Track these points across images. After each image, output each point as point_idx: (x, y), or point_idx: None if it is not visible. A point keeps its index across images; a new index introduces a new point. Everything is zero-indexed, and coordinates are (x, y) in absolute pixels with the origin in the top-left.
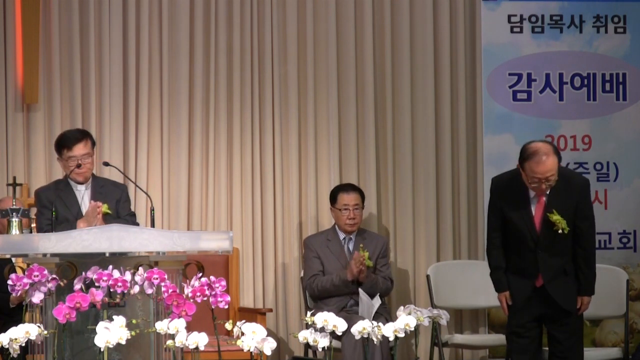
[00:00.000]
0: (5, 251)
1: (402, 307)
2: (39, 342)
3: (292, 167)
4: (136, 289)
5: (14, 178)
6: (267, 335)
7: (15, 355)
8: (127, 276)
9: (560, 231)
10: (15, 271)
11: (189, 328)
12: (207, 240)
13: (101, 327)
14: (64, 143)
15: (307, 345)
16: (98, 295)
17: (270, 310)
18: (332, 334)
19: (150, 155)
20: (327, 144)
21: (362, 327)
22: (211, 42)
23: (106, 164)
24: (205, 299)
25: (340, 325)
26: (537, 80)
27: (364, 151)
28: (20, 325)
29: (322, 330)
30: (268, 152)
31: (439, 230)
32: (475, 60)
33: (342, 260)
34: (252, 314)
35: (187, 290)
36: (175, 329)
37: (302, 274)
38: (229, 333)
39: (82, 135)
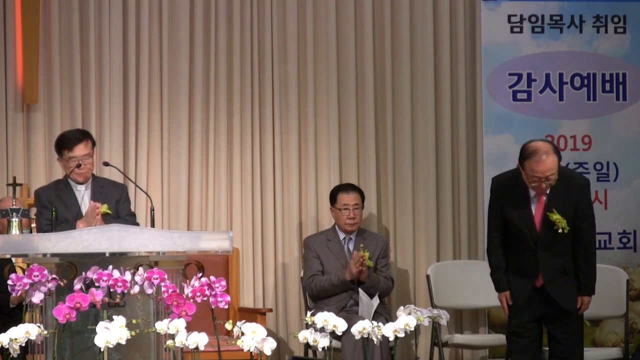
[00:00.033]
0: (5, 251)
1: (402, 307)
2: (39, 342)
3: (292, 167)
4: (136, 289)
5: (14, 178)
6: (267, 335)
7: (15, 355)
8: (127, 276)
9: (560, 231)
10: (15, 271)
11: (189, 328)
12: (207, 240)
13: (101, 327)
14: (64, 143)
15: (307, 345)
16: (98, 295)
17: (270, 310)
18: (332, 334)
19: (150, 155)
20: (327, 144)
21: (362, 327)
22: (211, 42)
23: (106, 164)
24: (205, 299)
25: (340, 325)
26: (537, 80)
27: (364, 151)
28: (20, 325)
29: (322, 330)
30: (268, 152)
31: (439, 230)
32: (475, 60)
33: (342, 260)
34: (252, 314)
35: (187, 290)
36: (175, 329)
37: (302, 274)
38: (229, 333)
39: (83, 135)
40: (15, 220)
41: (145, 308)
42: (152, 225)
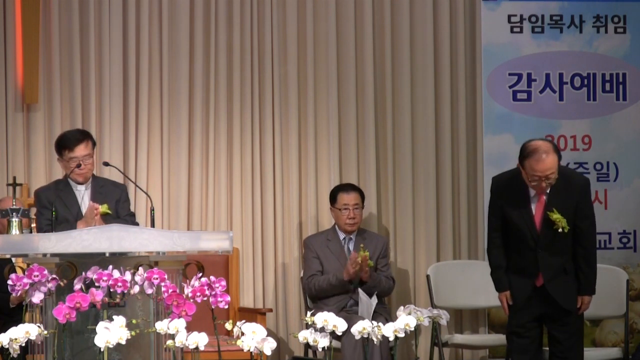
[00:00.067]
0: (5, 251)
1: (402, 307)
2: (39, 342)
3: (292, 167)
4: (136, 289)
5: (14, 178)
6: (267, 335)
7: (15, 355)
8: (127, 276)
9: (560, 230)
10: (15, 271)
11: (189, 328)
12: (207, 240)
13: (101, 327)
14: (65, 144)
15: (307, 345)
16: (98, 295)
17: (270, 310)
18: (332, 334)
19: (150, 155)
20: (327, 144)
21: (362, 327)
22: (211, 42)
23: (106, 164)
24: (205, 299)
25: (340, 325)
26: (537, 80)
27: (364, 151)
28: (20, 325)
29: (322, 330)
30: (268, 152)
31: (439, 230)
32: (475, 60)
33: (342, 260)
34: (252, 314)
35: (187, 290)
36: (175, 329)
37: (302, 274)
38: (229, 333)
39: (83, 136)
40: (15, 220)
41: (145, 308)
42: (152, 225)
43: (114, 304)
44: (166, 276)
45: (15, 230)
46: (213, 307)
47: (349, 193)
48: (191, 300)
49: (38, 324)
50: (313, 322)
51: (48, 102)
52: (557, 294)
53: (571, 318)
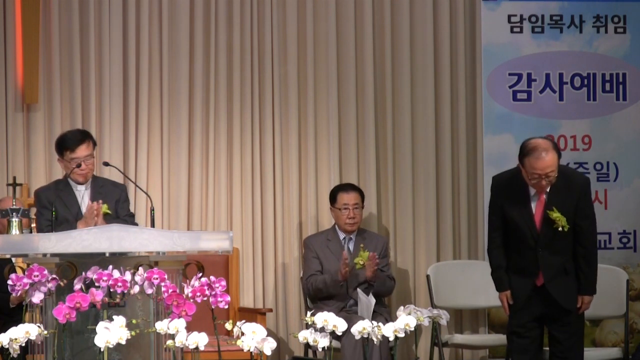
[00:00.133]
0: (5, 251)
1: (402, 307)
2: (39, 342)
3: (292, 167)
4: (136, 289)
5: (14, 178)
6: (267, 335)
7: (15, 355)
8: (127, 276)
9: (560, 229)
10: (15, 271)
11: (189, 328)
12: (207, 240)
13: (101, 327)
14: (66, 144)
15: (307, 345)
16: (98, 295)
17: (270, 310)
18: (332, 334)
19: (150, 155)
20: (327, 144)
21: (362, 327)
22: (211, 42)
23: (106, 164)
24: (205, 299)
25: (340, 325)
26: (537, 80)
27: (364, 151)
28: (20, 325)
29: (322, 330)
30: (268, 152)
31: (439, 230)
32: (475, 60)
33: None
34: (252, 314)
35: (187, 290)
36: (175, 329)
37: (302, 274)
38: (229, 333)
39: (84, 136)
40: (15, 220)
41: (145, 308)
42: (152, 225)
43: (114, 304)
44: (166, 276)
45: (15, 230)
46: (213, 307)
47: (348, 193)
48: (191, 300)
49: (38, 324)
50: (313, 322)
51: (48, 102)
52: (558, 293)
53: (571, 318)
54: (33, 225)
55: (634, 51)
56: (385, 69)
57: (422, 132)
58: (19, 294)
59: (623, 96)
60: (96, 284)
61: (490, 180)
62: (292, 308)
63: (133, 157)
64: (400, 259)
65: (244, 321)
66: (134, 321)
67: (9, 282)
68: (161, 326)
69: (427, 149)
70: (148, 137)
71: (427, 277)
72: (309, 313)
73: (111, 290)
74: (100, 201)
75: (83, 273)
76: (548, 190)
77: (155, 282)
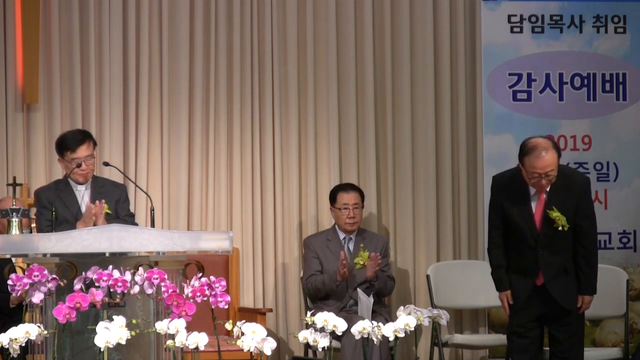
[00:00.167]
0: (5, 251)
1: (402, 307)
2: (39, 342)
3: (292, 167)
4: (136, 289)
5: (14, 178)
6: (267, 335)
7: (15, 355)
8: (127, 276)
9: (560, 228)
10: (15, 271)
11: (189, 328)
12: (207, 240)
13: (101, 327)
14: (66, 145)
15: (307, 345)
16: (98, 295)
17: (270, 310)
18: (332, 334)
19: (150, 155)
20: (327, 144)
21: (362, 327)
22: (211, 42)
23: (106, 164)
24: (205, 299)
25: (340, 325)
26: (537, 80)
27: (364, 151)
28: (20, 325)
29: (322, 330)
30: (268, 152)
31: (439, 230)
32: (475, 60)
33: None
34: (252, 314)
35: (187, 290)
36: (175, 329)
37: (302, 274)
38: (229, 333)
39: (84, 136)
40: (15, 220)
41: (145, 308)
42: (152, 225)
43: (114, 304)
44: (166, 276)
45: (15, 230)
46: (213, 307)
47: (348, 193)
48: (191, 300)
49: (38, 324)
50: (313, 322)
51: (48, 102)
52: (558, 293)
53: (571, 318)
54: (33, 225)
55: (634, 51)
56: (385, 69)
57: (422, 132)
58: (19, 294)
59: (623, 96)
60: (96, 284)
61: (490, 180)
62: (292, 308)
63: (133, 157)
64: (400, 259)
65: (244, 321)
66: (134, 321)
67: (9, 282)
68: (161, 326)
69: (427, 149)
70: (148, 137)
71: (427, 277)
72: (309, 313)
73: (111, 290)
74: (103, 201)
75: (83, 273)
76: (548, 189)
77: (155, 282)
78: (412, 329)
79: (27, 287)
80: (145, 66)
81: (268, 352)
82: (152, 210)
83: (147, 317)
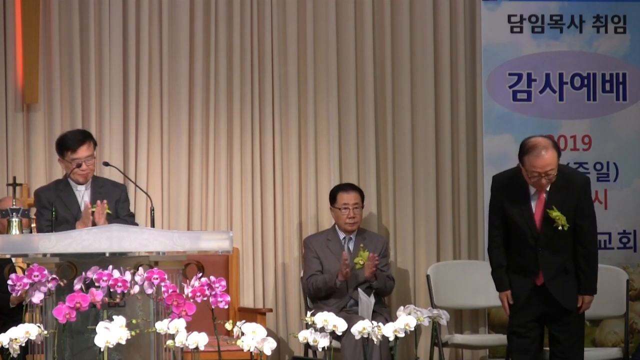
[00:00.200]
0: (5, 251)
1: (402, 307)
2: (39, 342)
3: (292, 167)
4: (136, 289)
5: (14, 178)
6: (267, 335)
7: (15, 355)
8: (127, 276)
9: (560, 228)
10: (15, 271)
11: (189, 328)
12: (207, 240)
13: (101, 327)
14: (67, 145)
15: (307, 345)
16: (98, 295)
17: (270, 310)
18: (332, 334)
19: (150, 155)
20: (327, 144)
21: (362, 327)
22: (211, 42)
23: (106, 164)
24: (205, 299)
25: (340, 325)
26: (537, 80)
27: (364, 151)
28: (20, 325)
29: (322, 330)
30: (268, 152)
31: (439, 230)
32: (475, 60)
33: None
34: (252, 314)
35: (187, 290)
36: (175, 329)
37: (302, 274)
38: (229, 333)
39: (85, 137)
40: (15, 220)
41: (145, 308)
42: (152, 225)
43: (114, 304)
44: (166, 276)
45: (15, 230)
46: (213, 307)
47: (348, 192)
48: (191, 300)
49: (38, 324)
50: (313, 322)
51: (48, 102)
52: (558, 293)
53: (572, 318)
54: (33, 225)
55: (634, 51)
56: (385, 69)
57: (422, 132)
58: (19, 294)
59: (623, 96)
60: (96, 284)
61: (490, 180)
62: (292, 308)
63: (133, 157)
64: (400, 259)
65: (244, 321)
66: (134, 321)
67: (9, 282)
68: (161, 326)
69: (427, 149)
70: (148, 137)
71: (427, 277)
72: (309, 313)
73: (111, 290)
74: (105, 201)
75: (83, 273)
76: (548, 189)
77: (155, 282)
78: (412, 329)
79: (27, 287)
80: (145, 66)
81: (268, 352)
82: (152, 210)
83: (147, 317)
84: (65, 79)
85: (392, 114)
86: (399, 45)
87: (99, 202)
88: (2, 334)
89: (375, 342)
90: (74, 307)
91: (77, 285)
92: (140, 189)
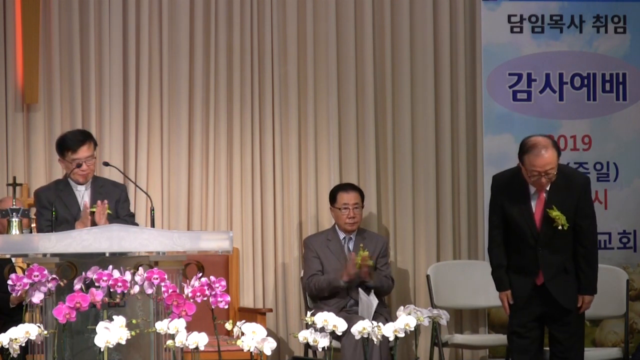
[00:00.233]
0: (5, 251)
1: (402, 307)
2: (39, 342)
3: (292, 167)
4: (136, 289)
5: (14, 178)
6: (267, 335)
7: (15, 355)
8: (127, 276)
9: (560, 227)
10: (15, 271)
11: (189, 328)
12: (207, 240)
13: (101, 327)
14: (67, 145)
15: (307, 345)
16: (98, 295)
17: (270, 310)
18: (332, 334)
19: (150, 155)
20: (327, 144)
21: (362, 327)
22: (211, 42)
23: (106, 164)
24: (205, 299)
25: (340, 325)
26: (537, 80)
27: (364, 151)
28: (20, 325)
29: (322, 330)
30: (268, 152)
31: (439, 230)
32: (475, 60)
33: (342, 260)
34: (252, 314)
35: (187, 290)
36: (175, 329)
37: (302, 274)
38: (229, 333)
39: (85, 137)
40: (15, 220)
41: (145, 308)
42: (152, 225)
43: (114, 304)
44: (166, 276)
45: (15, 230)
46: (213, 307)
47: (348, 192)
48: (191, 300)
49: (38, 324)
50: (313, 322)
51: (48, 102)
52: (558, 293)
53: (572, 318)
54: (33, 225)
55: (634, 51)
56: (385, 69)
57: (422, 132)
58: (19, 294)
59: (623, 96)
60: (96, 284)
61: (490, 180)
62: (292, 308)
63: (133, 157)
64: (400, 259)
65: (244, 321)
66: (134, 321)
67: (9, 282)
68: (161, 326)
69: (427, 149)
70: (148, 137)
71: (427, 277)
72: (309, 313)
73: (111, 290)
74: (106, 201)
75: (83, 273)
76: (548, 188)
77: (155, 282)
78: (412, 329)
79: (27, 287)
80: (145, 66)
81: (268, 352)
82: (152, 210)
83: (147, 317)
84: (65, 79)
85: (392, 114)
86: (399, 45)
87: (99, 202)
88: (2, 334)
89: (375, 342)
90: (74, 307)
91: (77, 285)
92: (140, 189)
